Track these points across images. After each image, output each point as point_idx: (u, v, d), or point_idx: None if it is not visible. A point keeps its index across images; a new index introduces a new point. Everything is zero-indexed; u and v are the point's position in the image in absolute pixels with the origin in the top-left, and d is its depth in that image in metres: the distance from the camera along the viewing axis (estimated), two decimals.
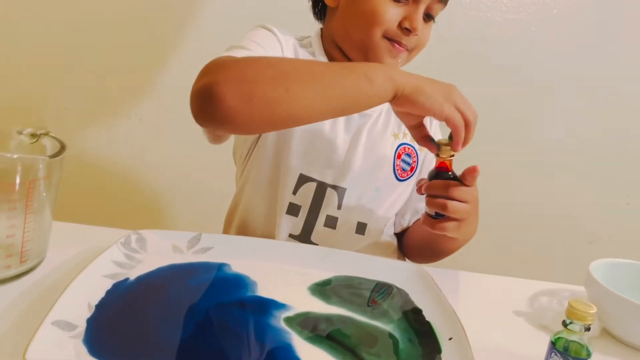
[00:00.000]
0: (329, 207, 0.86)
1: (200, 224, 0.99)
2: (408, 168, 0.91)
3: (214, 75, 0.58)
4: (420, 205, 0.93)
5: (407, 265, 0.74)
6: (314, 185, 0.86)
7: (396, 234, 0.97)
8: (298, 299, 0.63)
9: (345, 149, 0.86)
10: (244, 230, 0.92)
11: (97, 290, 0.58)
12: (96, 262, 0.61)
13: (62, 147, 0.63)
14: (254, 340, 0.54)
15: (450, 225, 0.69)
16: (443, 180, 0.69)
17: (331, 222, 0.87)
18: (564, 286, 0.82)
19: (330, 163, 0.86)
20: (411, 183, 0.92)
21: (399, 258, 0.99)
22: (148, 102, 1.37)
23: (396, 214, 0.94)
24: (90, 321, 0.53)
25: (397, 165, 0.89)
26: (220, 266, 0.68)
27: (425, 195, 0.71)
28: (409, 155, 0.90)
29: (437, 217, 0.70)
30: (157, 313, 0.56)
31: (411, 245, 0.94)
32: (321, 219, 0.86)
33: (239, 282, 0.65)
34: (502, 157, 1.44)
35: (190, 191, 1.42)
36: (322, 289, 0.67)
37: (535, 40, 1.37)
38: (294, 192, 0.86)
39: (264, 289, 0.64)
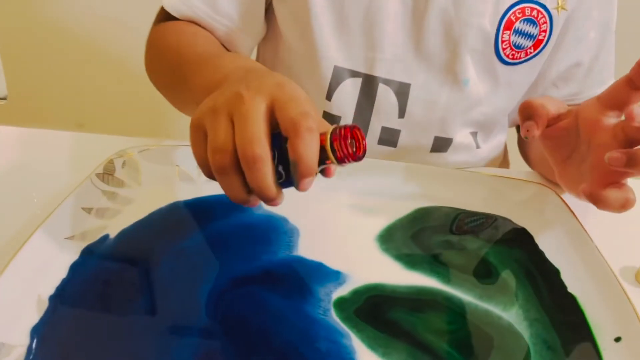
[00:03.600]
0: (384, 114, 0.58)
1: None
2: (529, 43, 0.56)
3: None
4: (557, 95, 0.60)
5: (531, 187, 0.48)
6: (358, 82, 0.57)
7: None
8: (359, 259, 0.41)
9: (406, 18, 0.55)
10: None
11: (55, 267, 0.38)
12: (54, 217, 0.40)
13: None
14: (285, 355, 0.33)
15: None
16: None
17: (390, 137, 0.59)
18: None
19: (381, 44, 0.55)
20: (537, 66, 0.58)
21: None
22: None
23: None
24: (38, 332, 0.34)
25: (502, 40, 0.55)
26: None
27: None
28: (531, 21, 0.55)
29: None
30: (138, 306, 0.36)
31: (532, 155, 0.62)
32: (374, 133, 0.59)
33: (273, 231, 0.43)
34: None
35: None
36: (399, 237, 0.44)
37: None
38: (328, 96, 0.58)
39: (308, 242, 0.42)
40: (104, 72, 1.20)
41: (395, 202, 0.47)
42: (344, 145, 0.33)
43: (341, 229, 0.44)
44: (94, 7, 1.14)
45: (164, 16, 0.57)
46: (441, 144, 0.60)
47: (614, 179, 0.40)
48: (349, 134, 0.33)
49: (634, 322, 0.35)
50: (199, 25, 0.57)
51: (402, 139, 0.59)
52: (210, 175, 0.35)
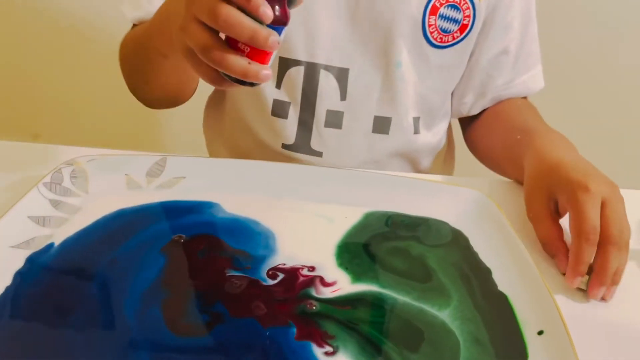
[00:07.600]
0: (327, 98, 0.63)
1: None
2: (455, 28, 0.61)
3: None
4: (493, 85, 0.65)
5: (467, 193, 0.51)
6: (301, 70, 0.61)
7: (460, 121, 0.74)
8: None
9: (340, 7, 0.60)
10: (237, 130, 0.69)
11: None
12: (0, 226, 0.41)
13: None
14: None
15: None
16: None
17: (335, 120, 0.63)
18: None
19: (319, 33, 0.60)
20: (466, 50, 0.63)
21: (447, 162, 0.76)
22: None
23: (452, 95, 0.69)
24: None
25: (429, 24, 0.60)
26: (204, 207, 0.47)
27: None
28: (455, 7, 0.59)
29: None
30: (75, 317, 0.36)
31: (488, 155, 0.67)
32: (320, 117, 0.63)
33: (247, 232, 0.45)
34: None
35: None
36: (353, 247, 0.45)
37: None
38: (278, 85, 0.63)
39: (286, 246, 0.44)
40: (63, 80, 1.18)
41: (349, 208, 0.49)
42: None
43: (306, 235, 0.46)
44: (56, 15, 1.13)
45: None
46: (382, 124, 0.64)
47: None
48: None
49: (555, 317, 0.37)
50: None
51: (346, 120, 0.64)
52: (218, 81, 0.39)
